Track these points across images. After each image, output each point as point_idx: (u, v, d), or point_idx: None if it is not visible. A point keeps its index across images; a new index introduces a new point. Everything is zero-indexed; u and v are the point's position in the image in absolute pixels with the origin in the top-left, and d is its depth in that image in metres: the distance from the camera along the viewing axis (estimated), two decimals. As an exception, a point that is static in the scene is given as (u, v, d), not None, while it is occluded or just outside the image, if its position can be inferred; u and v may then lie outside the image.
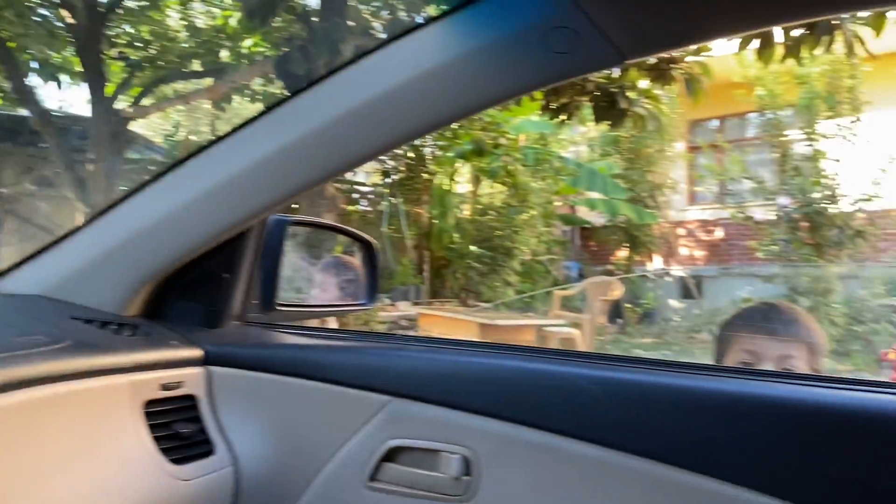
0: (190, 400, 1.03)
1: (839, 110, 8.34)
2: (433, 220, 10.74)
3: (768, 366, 1.50)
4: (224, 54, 9.59)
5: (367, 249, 1.43)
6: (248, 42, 9.01)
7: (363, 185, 11.78)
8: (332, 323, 1.90)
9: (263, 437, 1.07)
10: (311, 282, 1.50)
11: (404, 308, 9.16)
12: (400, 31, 0.90)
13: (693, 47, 4.66)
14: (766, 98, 8.84)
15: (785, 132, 8.90)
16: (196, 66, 10.05)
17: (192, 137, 13.47)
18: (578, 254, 12.60)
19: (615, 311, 10.14)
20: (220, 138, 1.07)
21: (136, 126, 10.31)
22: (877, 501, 0.90)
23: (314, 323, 1.66)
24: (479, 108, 0.88)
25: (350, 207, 10.73)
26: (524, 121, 10.31)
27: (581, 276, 11.11)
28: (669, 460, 0.98)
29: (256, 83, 10.07)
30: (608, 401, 1.00)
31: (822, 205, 8.16)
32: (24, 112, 8.88)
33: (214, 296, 1.15)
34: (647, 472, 0.98)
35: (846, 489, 0.92)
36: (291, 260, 1.55)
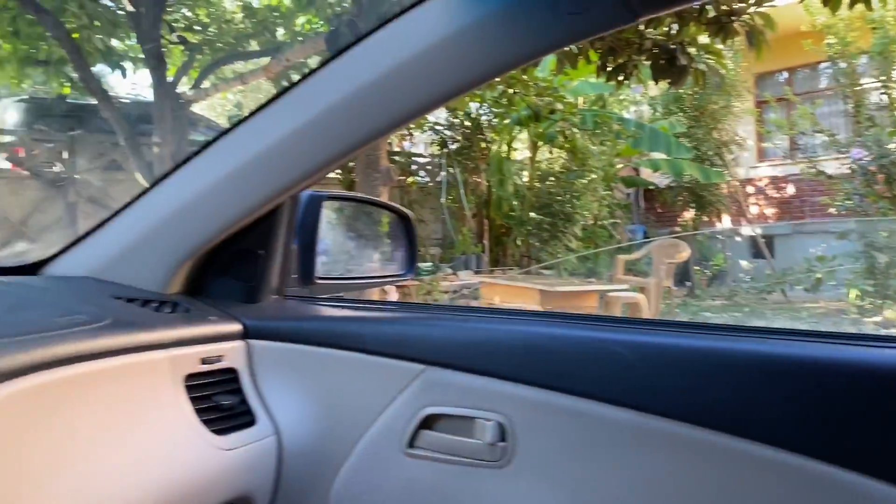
0: (231, 373, 1.07)
1: (917, 55, 7.87)
2: (492, 189, 10.69)
3: None
4: (279, 33, 9.70)
5: (404, 221, 1.44)
6: (301, 20, 9.07)
7: (421, 156, 11.79)
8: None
9: (303, 408, 1.09)
10: (353, 255, 1.52)
11: (465, 277, 9.19)
12: (410, 3, 0.90)
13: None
14: (837, 46, 8.40)
15: (858, 81, 8.45)
16: (253, 46, 10.20)
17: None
18: (642, 217, 12.36)
19: (683, 274, 9.93)
20: (245, 118, 1.09)
21: (197, 108, 10.56)
22: None
23: (353, 295, 1.69)
24: (494, 75, 0.87)
25: (409, 179, 10.77)
26: (581, 83, 10.10)
27: (646, 240, 10.91)
28: (704, 423, 0.96)
29: (312, 60, 10.15)
30: (641, 365, 0.99)
31: (901, 155, 7.74)
32: (92, 100, 9.22)
33: (252, 272, 1.18)
34: (682, 436, 0.96)
35: (889, 448, 0.89)
36: (336, 235, 1.57)
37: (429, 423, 1.08)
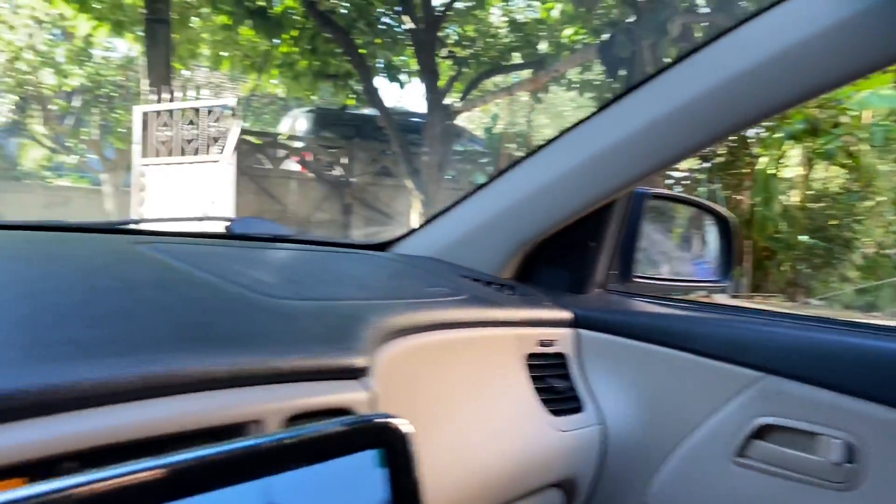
0: (560, 358, 1.10)
1: None
2: (755, 208, 9.96)
3: None
4: (543, 46, 9.91)
5: (724, 226, 1.38)
6: (567, 31, 9.18)
7: (676, 170, 11.34)
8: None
9: (628, 401, 1.10)
10: (664, 255, 1.49)
11: (723, 301, 8.67)
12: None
13: None
14: None
15: None
16: (516, 59, 10.54)
17: (509, 130, 14.11)
18: (937, 248, 10.77)
19: None
20: (592, 114, 1.12)
21: (459, 120, 11.14)
22: None
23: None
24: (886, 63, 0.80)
25: (663, 194, 10.41)
26: (870, 95, 9.06)
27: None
28: None
29: (573, 72, 10.24)
30: None
31: None
32: (368, 111, 10.14)
33: (580, 263, 1.22)
34: None
35: None
36: (646, 232, 1.57)
37: (761, 433, 1.03)
